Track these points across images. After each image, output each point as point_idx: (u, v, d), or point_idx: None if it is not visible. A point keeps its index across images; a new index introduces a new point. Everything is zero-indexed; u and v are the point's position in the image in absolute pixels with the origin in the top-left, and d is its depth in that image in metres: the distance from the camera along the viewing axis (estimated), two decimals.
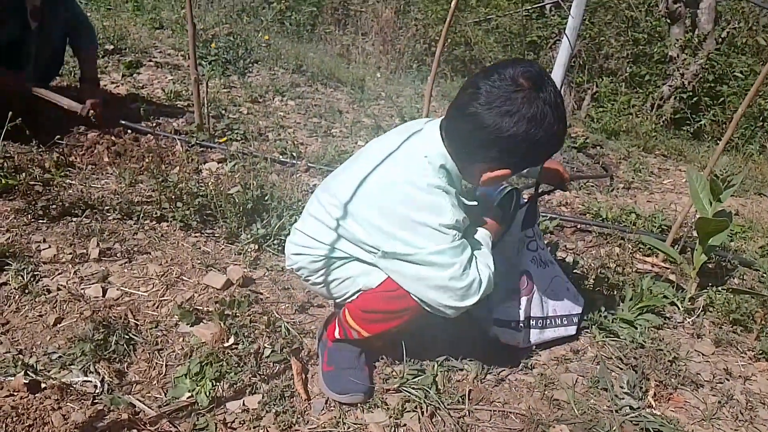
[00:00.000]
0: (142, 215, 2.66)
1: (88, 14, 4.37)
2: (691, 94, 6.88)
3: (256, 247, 2.57)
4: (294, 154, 3.63)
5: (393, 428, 1.77)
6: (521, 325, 2.10)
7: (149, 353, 1.93)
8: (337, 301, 1.87)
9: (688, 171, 2.85)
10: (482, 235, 1.82)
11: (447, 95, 6.20)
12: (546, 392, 2.00)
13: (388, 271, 1.67)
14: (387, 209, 1.61)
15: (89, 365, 1.83)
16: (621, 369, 2.16)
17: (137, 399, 1.75)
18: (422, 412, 1.83)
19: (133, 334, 1.99)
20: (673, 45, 7.08)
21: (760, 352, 2.37)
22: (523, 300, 2.10)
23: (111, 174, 3.09)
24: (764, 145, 6.25)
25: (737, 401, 2.10)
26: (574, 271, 2.72)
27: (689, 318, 2.56)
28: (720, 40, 6.74)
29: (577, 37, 3.96)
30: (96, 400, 1.72)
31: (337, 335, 1.87)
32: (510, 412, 1.91)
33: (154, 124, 3.60)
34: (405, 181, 1.61)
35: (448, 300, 1.62)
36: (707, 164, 2.91)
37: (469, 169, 1.65)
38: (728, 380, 2.20)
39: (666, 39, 7.36)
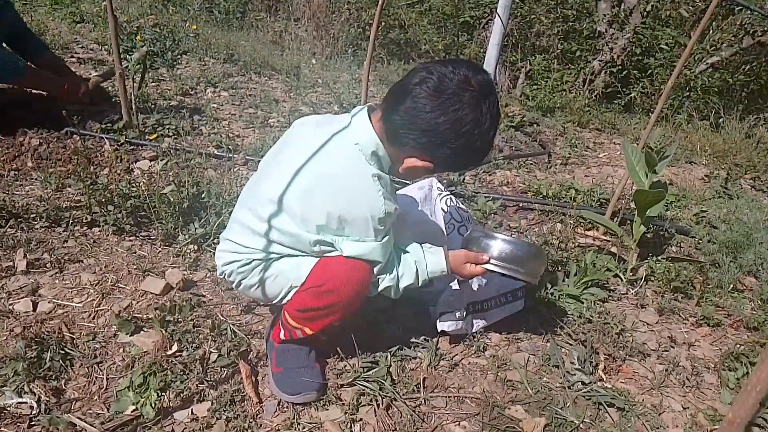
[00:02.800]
0: (71, 221, 2.52)
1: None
2: (620, 67, 7.06)
3: (196, 247, 2.48)
4: (230, 147, 3.52)
5: (349, 424, 1.74)
6: (464, 312, 2.10)
7: (88, 367, 1.83)
8: (274, 302, 1.82)
9: (624, 144, 2.91)
10: (436, 260, 1.81)
11: (384, 79, 6.15)
12: (499, 374, 2.01)
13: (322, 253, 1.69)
14: (320, 201, 1.59)
15: (23, 385, 1.71)
16: (571, 345, 2.19)
17: (78, 417, 1.66)
18: (378, 405, 1.81)
19: (68, 349, 1.88)
20: (601, 20, 7.23)
21: (702, 317, 2.45)
22: (461, 287, 2.09)
23: (36, 179, 2.91)
24: (692, 114, 6.48)
25: (683, 368, 2.16)
26: None
27: (632, 289, 2.63)
28: (645, 13, 6.91)
29: (509, 16, 3.98)
30: (33, 422, 1.62)
31: (282, 336, 1.83)
32: (465, 397, 1.91)
33: (78, 123, 3.41)
34: (337, 172, 1.60)
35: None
36: (640, 136, 2.98)
37: (395, 154, 1.64)
38: (673, 348, 2.27)
39: (594, 14, 7.50)
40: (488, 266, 1.81)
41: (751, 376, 0.92)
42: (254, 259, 1.74)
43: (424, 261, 1.78)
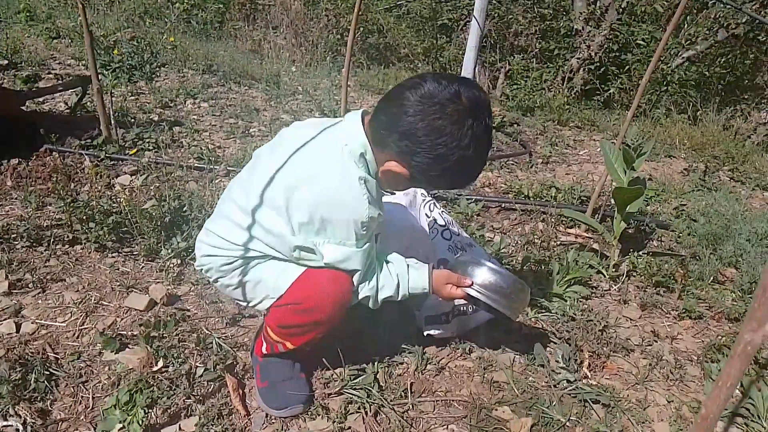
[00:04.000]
0: (52, 240, 2.51)
1: None
2: (598, 64, 7.12)
3: (179, 261, 2.47)
4: (211, 158, 3.52)
5: None
6: (451, 316, 2.11)
7: (73, 387, 1.82)
8: (251, 305, 1.81)
9: (602, 143, 2.94)
10: (418, 277, 1.78)
11: (365, 84, 6.17)
12: (486, 375, 2.02)
13: (302, 260, 1.67)
14: (304, 199, 1.57)
15: (8, 408, 1.70)
16: (555, 343, 2.21)
17: None
18: (366, 412, 1.81)
19: (53, 369, 1.87)
20: (577, 18, 7.29)
21: (684, 310, 2.48)
22: None
23: (16, 199, 2.89)
24: (670, 108, 6.55)
25: (667, 361, 2.19)
26: (502, 249, 2.77)
27: (615, 285, 2.66)
28: (621, 9, 6.98)
29: (486, 17, 4.00)
30: None
31: (264, 351, 1.82)
32: (452, 400, 1.92)
33: (56, 140, 3.39)
34: (323, 172, 1.59)
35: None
36: (619, 132, 3.01)
37: (379, 156, 1.62)
38: (656, 342, 2.30)
39: (570, 12, 7.57)
40: (469, 291, 1.79)
41: (722, 371, 0.94)
42: (235, 258, 1.71)
43: (406, 276, 1.76)
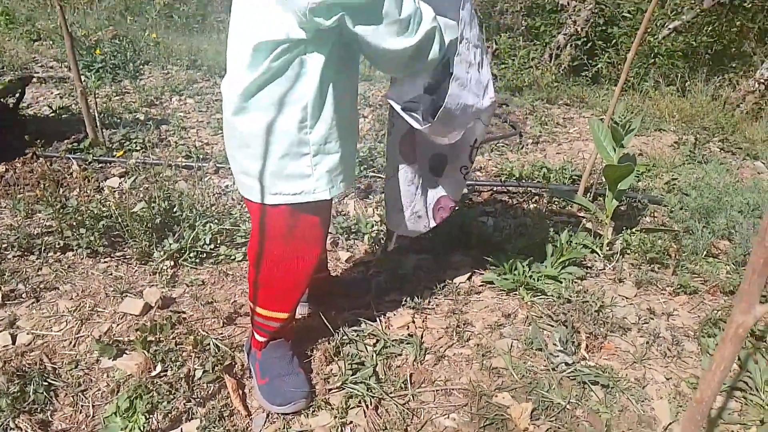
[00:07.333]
0: (44, 248, 2.49)
1: None
2: (585, 39, 7.08)
3: (172, 263, 2.46)
4: (200, 155, 3.49)
5: (339, 428, 1.75)
6: (412, 203, 2.01)
7: (73, 396, 1.82)
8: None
9: (590, 121, 2.93)
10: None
11: None
12: (484, 362, 2.03)
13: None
14: None
15: (8, 422, 1.70)
16: (552, 326, 2.21)
17: None
18: (367, 406, 1.82)
19: (52, 380, 1.86)
20: None
21: (679, 286, 2.49)
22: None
23: (4, 207, 2.87)
24: (658, 81, 6.53)
25: (664, 338, 2.20)
26: (495, 233, 2.77)
27: (609, 264, 2.66)
28: None
29: None
30: None
31: (260, 339, 1.84)
32: (452, 389, 1.93)
33: (42, 145, 3.36)
34: None
35: (385, 36, 1.38)
36: (608, 108, 3.00)
37: None
38: (653, 319, 2.31)
39: None
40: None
41: (715, 354, 0.94)
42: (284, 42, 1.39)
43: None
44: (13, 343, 2.02)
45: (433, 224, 2.09)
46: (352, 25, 1.33)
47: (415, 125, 1.66)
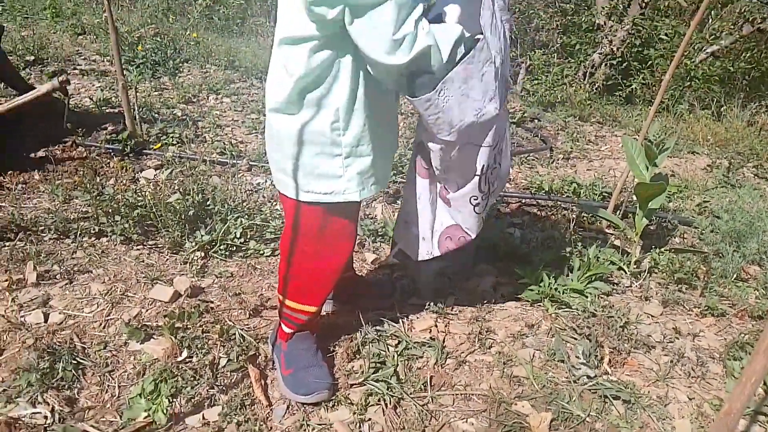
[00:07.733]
0: (79, 233, 2.56)
1: (5, 24, 4.15)
2: (620, 59, 7.04)
3: (202, 254, 2.51)
4: (234, 153, 3.56)
5: (358, 424, 1.76)
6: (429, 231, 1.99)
7: (100, 376, 1.87)
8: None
9: (624, 139, 2.92)
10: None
11: None
12: (505, 370, 2.03)
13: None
14: None
15: (37, 396, 1.75)
16: (575, 339, 2.20)
17: (91, 425, 1.69)
18: (386, 404, 1.83)
19: (80, 359, 1.91)
20: (599, 13, 7.21)
21: (706, 308, 2.46)
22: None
23: (43, 192, 2.96)
24: (693, 104, 6.47)
25: (688, 358, 2.17)
26: (522, 245, 2.77)
27: (636, 282, 2.64)
28: (644, 4, 6.90)
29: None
30: None
31: (287, 330, 1.87)
32: (472, 394, 1.93)
33: (82, 135, 3.45)
34: None
35: (376, 48, 1.37)
36: (641, 127, 2.99)
37: None
38: (678, 339, 2.28)
39: (592, 7, 7.49)
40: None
41: (746, 367, 0.94)
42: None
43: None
44: (46, 321, 2.08)
45: (437, 253, 2.00)
46: (349, 22, 1.35)
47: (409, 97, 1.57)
